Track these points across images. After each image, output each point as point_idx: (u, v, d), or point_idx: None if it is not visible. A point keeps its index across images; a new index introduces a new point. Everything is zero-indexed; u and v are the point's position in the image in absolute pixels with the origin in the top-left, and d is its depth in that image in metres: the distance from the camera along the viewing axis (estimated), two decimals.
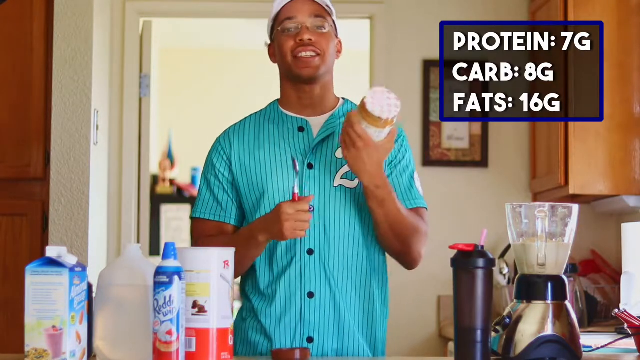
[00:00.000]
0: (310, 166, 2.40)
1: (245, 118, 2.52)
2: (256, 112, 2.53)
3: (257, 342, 2.39)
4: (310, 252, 2.37)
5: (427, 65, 4.50)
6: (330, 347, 2.37)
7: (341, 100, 2.52)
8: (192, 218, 2.50)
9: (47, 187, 3.88)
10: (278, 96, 2.53)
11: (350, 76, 7.07)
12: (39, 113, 3.91)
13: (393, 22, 4.53)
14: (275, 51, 2.48)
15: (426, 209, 2.53)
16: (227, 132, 2.51)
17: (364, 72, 4.79)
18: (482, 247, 2.04)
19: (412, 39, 4.52)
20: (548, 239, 2.16)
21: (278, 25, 2.44)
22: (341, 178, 2.40)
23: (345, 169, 2.40)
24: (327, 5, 2.47)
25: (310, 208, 2.31)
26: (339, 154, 2.41)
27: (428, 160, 4.47)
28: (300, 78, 2.42)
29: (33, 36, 3.93)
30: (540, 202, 2.30)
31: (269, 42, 2.51)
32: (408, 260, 2.47)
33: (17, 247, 3.88)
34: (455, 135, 4.48)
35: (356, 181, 2.39)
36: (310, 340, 2.37)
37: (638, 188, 3.85)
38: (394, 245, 2.42)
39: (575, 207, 2.18)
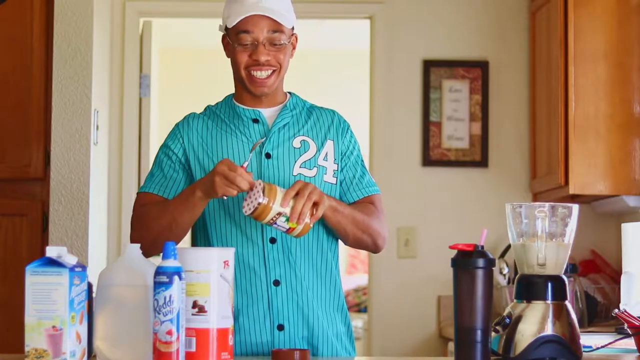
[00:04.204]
0: (268, 156, 2.44)
1: (205, 109, 2.57)
2: (213, 105, 2.57)
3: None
4: (273, 240, 2.40)
5: (427, 65, 4.50)
6: (301, 335, 2.41)
7: (288, 95, 2.56)
8: (137, 194, 2.51)
9: (47, 187, 3.88)
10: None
11: (350, 76, 7.09)
12: (39, 113, 3.91)
13: (393, 22, 4.53)
14: (228, 48, 2.49)
15: (379, 193, 2.58)
16: (187, 118, 2.54)
17: (364, 72, 4.79)
18: (482, 247, 2.04)
19: (412, 39, 4.52)
20: (548, 239, 2.16)
21: (233, 32, 2.43)
22: (300, 167, 2.44)
23: (304, 157, 2.45)
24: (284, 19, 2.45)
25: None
26: (296, 143, 2.46)
27: (428, 160, 4.47)
28: (253, 94, 2.47)
29: (33, 36, 3.93)
30: (540, 202, 2.31)
31: (223, 30, 2.50)
32: (378, 246, 2.53)
33: (17, 247, 3.88)
34: (455, 135, 4.48)
35: (315, 170, 2.45)
36: (280, 327, 2.39)
37: (638, 188, 3.85)
38: (367, 241, 2.49)
39: (575, 207, 2.18)
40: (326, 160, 2.48)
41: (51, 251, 1.90)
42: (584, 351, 2.21)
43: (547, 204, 2.18)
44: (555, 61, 4.00)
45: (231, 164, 2.24)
